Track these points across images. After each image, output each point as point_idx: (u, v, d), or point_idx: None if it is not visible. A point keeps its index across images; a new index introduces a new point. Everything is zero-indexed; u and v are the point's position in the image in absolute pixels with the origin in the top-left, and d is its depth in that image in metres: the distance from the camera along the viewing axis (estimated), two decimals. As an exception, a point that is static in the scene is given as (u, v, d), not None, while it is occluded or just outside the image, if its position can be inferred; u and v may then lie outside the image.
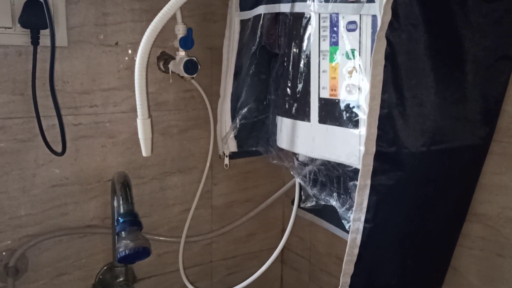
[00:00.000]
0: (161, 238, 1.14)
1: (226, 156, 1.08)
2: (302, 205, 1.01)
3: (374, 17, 0.71)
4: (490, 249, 0.81)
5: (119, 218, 0.94)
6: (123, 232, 0.93)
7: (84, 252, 1.06)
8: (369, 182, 0.68)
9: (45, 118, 0.95)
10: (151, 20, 0.78)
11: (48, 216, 1.00)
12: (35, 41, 0.91)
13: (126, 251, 0.89)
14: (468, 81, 0.71)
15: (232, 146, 1.07)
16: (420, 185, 0.72)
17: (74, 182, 1.02)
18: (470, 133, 0.74)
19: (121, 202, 0.97)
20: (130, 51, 1.03)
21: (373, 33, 0.71)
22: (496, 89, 0.76)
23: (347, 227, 0.83)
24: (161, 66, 1.06)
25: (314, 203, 0.98)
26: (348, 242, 0.72)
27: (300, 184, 1.00)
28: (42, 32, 0.91)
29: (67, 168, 1.01)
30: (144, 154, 0.88)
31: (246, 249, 1.30)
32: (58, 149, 0.95)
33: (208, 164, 1.15)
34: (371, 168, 0.67)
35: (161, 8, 0.76)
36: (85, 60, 0.99)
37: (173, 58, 1.05)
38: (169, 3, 0.76)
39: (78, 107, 1.00)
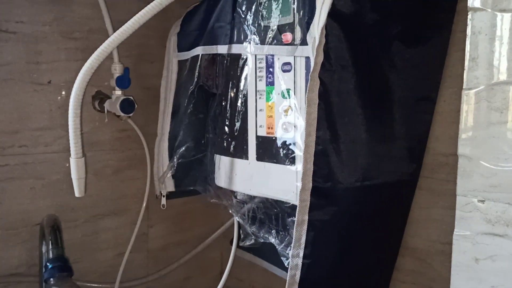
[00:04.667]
0: (93, 285, 1.08)
1: (163, 196, 1.06)
2: (241, 244, 1.00)
3: (307, 58, 0.74)
4: (421, 282, 0.84)
5: (48, 264, 0.89)
6: (51, 279, 0.87)
7: (8, 303, 0.98)
8: (306, 217, 0.69)
9: (-32, 158, 0.90)
10: (86, 59, 0.77)
11: (-33, 264, 0.93)
12: (-40, 78, 0.87)
13: (55, 299, 0.84)
14: (395, 120, 0.75)
15: (169, 185, 1.06)
16: (355, 219, 0.74)
17: (-2, 227, 0.96)
18: (399, 170, 0.78)
19: (50, 246, 0.92)
20: (63, 90, 1.01)
21: (307, 73, 0.74)
22: (421, 128, 0.81)
23: (286, 264, 0.83)
24: (96, 105, 1.04)
25: (253, 241, 0.97)
26: (287, 279, 0.72)
27: (238, 222, 0.99)
28: (-32, 68, 0.88)
29: (-9, 212, 0.95)
30: (77, 194, 0.84)
31: (183, 293, 1.26)
32: (-18, 191, 0.89)
33: (144, 205, 1.12)
34: (308, 203, 0.69)
35: (96, 48, 0.76)
36: (14, 98, 0.96)
37: (109, 97, 1.03)
38: (106, 41, 0.76)
39: (5, 147, 0.95)
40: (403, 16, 0.74)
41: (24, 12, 0.95)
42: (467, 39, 0.52)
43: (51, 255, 0.91)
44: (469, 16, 0.51)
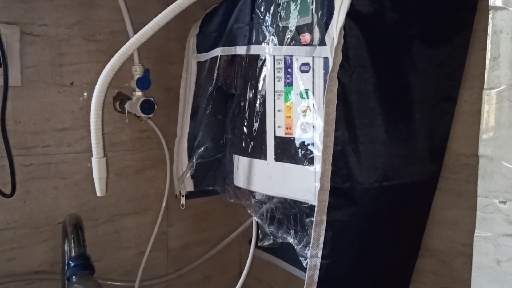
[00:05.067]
0: (114, 283, 1.10)
1: (183, 196, 1.07)
2: (259, 244, 1.00)
3: (326, 59, 0.74)
4: (442, 283, 0.83)
5: (70, 262, 0.90)
6: (74, 277, 0.89)
7: (31, 300, 1.01)
8: (325, 218, 0.69)
9: (-6, 158, 0.93)
10: (107, 61, 0.78)
11: (-7, 262, 0.96)
12: (-14, 80, 0.89)
13: (77, 296, 0.85)
14: (415, 120, 0.75)
15: (188, 185, 1.07)
16: (374, 220, 0.74)
17: (22, 226, 0.98)
18: (419, 170, 0.77)
19: (72, 245, 0.93)
20: (85, 91, 1.03)
21: (325, 74, 0.74)
22: (442, 128, 0.80)
23: (304, 264, 0.83)
24: (117, 106, 1.06)
25: (271, 241, 0.97)
26: (305, 279, 0.72)
27: (257, 222, 1.00)
28: (-6, 71, 0.90)
29: (15, 211, 0.97)
30: (98, 194, 0.86)
31: (202, 292, 1.27)
32: (7, 190, 0.91)
33: (164, 205, 1.13)
34: (326, 204, 0.69)
35: (117, 50, 0.77)
36: (39, 100, 0.98)
37: (130, 99, 1.05)
38: (127, 43, 0.77)
39: (30, 148, 0.98)
40: (424, 16, 0.74)
41: (48, 16, 0.98)
42: (488, 38, 0.51)
43: (73, 253, 0.92)
44: (490, 15, 0.51)
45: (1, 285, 0.96)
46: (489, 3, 0.50)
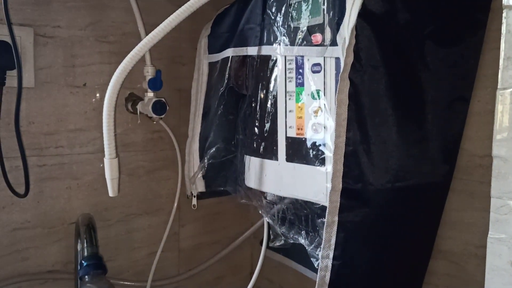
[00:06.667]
0: (126, 282, 1.10)
1: (194, 197, 1.08)
2: (271, 245, 1.00)
3: (337, 59, 0.74)
4: (455, 285, 0.83)
5: (83, 262, 0.91)
6: (86, 276, 0.90)
7: (45, 299, 1.01)
8: (336, 218, 0.69)
9: (9, 159, 0.93)
10: (120, 62, 0.78)
11: (7, 261, 0.96)
12: (1, 82, 0.90)
13: (90, 296, 0.86)
14: (428, 121, 0.74)
15: (200, 186, 1.07)
16: (386, 222, 0.74)
17: (36, 225, 0.99)
18: (431, 171, 0.77)
19: (85, 245, 0.94)
20: (98, 92, 1.04)
21: (337, 74, 0.74)
22: (454, 128, 0.79)
23: (316, 265, 0.83)
24: (129, 107, 1.07)
25: (282, 242, 0.97)
26: (317, 280, 0.72)
27: (268, 223, 1.00)
28: (9, 72, 0.91)
29: (29, 211, 0.98)
30: (110, 194, 0.86)
31: (214, 293, 1.27)
32: (21, 191, 0.92)
33: (175, 205, 1.13)
34: (338, 204, 0.68)
35: (129, 51, 0.77)
36: (52, 101, 0.99)
37: (142, 99, 1.05)
38: (139, 45, 0.77)
39: (43, 148, 0.99)
40: (437, 16, 0.73)
41: (61, 17, 0.98)
42: (501, 37, 0.50)
43: (86, 253, 0.93)
44: (504, 14, 0.50)
45: (15, 284, 0.97)
46: (503, 2, 0.50)
